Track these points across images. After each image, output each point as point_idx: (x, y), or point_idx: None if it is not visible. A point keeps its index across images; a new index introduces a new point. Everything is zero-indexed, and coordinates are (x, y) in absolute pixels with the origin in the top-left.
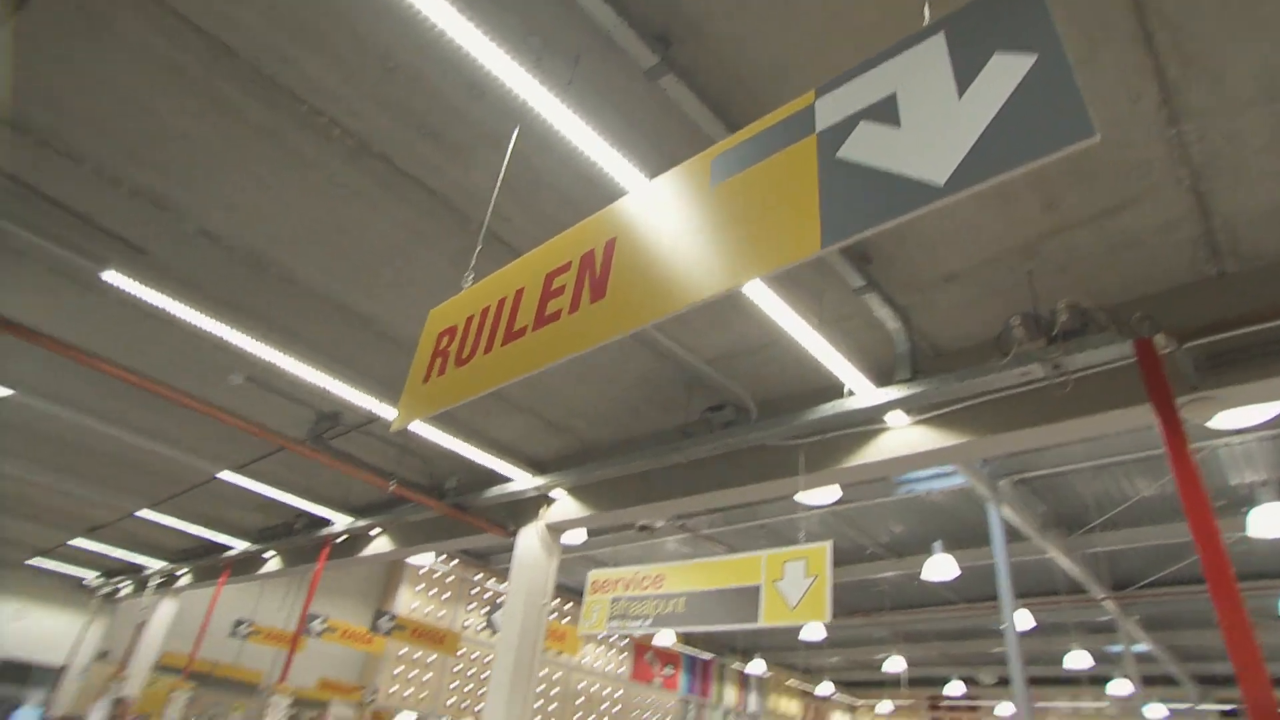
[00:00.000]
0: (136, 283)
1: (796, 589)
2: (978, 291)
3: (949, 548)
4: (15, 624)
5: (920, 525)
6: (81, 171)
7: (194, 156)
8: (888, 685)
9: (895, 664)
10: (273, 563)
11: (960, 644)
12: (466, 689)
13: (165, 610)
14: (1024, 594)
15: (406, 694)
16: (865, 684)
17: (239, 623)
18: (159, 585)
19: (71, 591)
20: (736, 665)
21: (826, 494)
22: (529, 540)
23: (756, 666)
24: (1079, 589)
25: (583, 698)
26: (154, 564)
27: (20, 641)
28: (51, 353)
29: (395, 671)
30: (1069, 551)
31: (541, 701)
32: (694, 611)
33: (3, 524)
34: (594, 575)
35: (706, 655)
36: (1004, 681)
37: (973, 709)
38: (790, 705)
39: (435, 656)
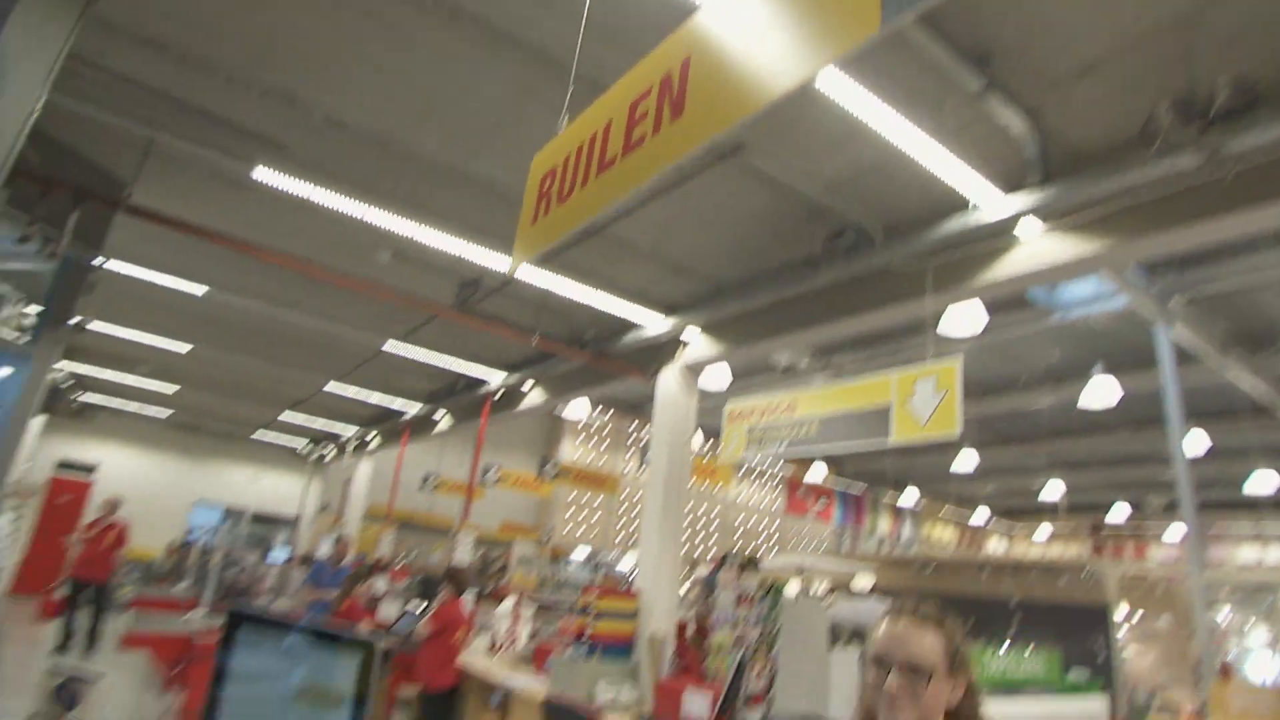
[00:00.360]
0: (282, 175)
1: (927, 405)
2: (1119, 81)
3: (1110, 372)
4: (254, 485)
5: (1078, 350)
6: (217, 81)
7: (309, 49)
8: (1045, 512)
9: (1053, 491)
10: (443, 422)
11: (1123, 469)
12: (632, 526)
13: (364, 469)
14: (1198, 415)
15: (579, 532)
16: (1022, 511)
17: (426, 477)
18: (355, 448)
19: (290, 458)
20: (889, 498)
21: (971, 324)
22: (668, 381)
23: (909, 497)
24: (1265, 410)
25: (740, 531)
26: (348, 430)
27: (262, 499)
28: (228, 249)
29: (567, 514)
30: (1256, 371)
31: (702, 535)
32: (826, 433)
33: (229, 405)
34: (730, 406)
35: (859, 488)
36: (1173, 506)
37: (1138, 534)
38: (944, 533)
39: (600, 498)
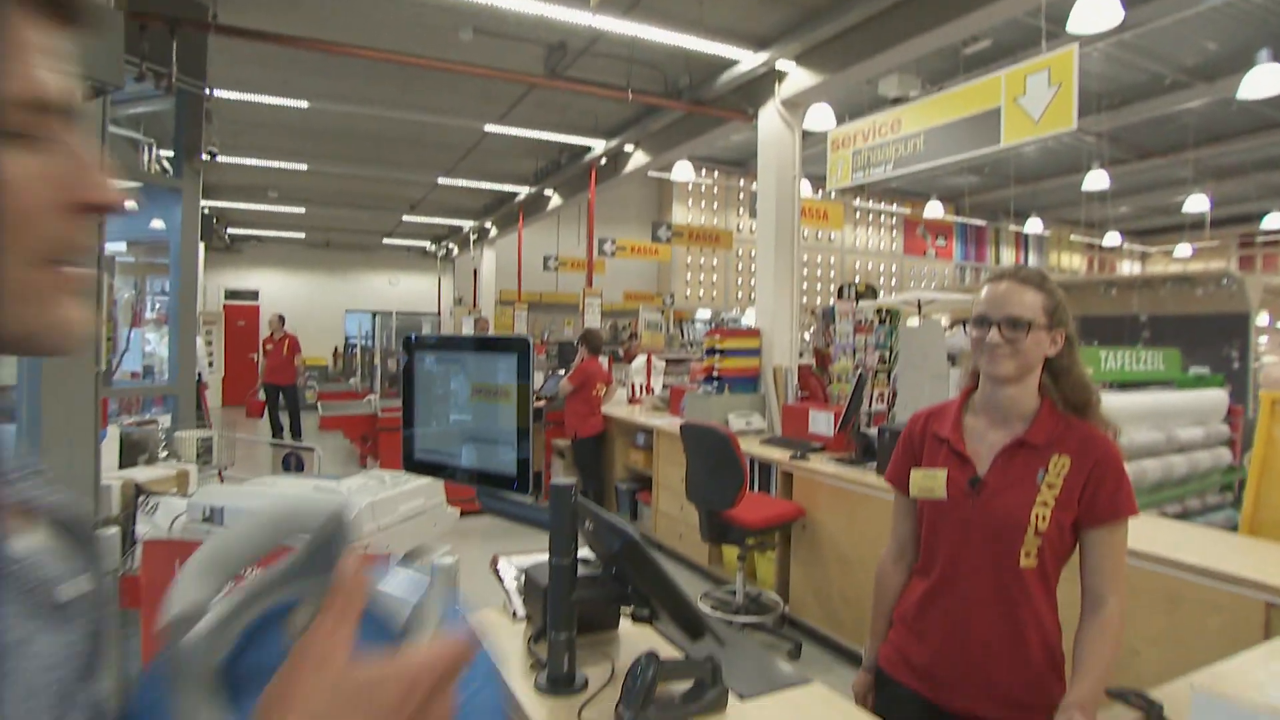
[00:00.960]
0: None
1: (1039, 102)
2: None
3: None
4: (394, 288)
5: (1236, 37)
6: None
7: None
8: (1186, 229)
9: (1197, 203)
10: (554, 199)
11: None
12: (751, 284)
13: (488, 258)
14: None
15: (700, 294)
16: (1159, 230)
17: (546, 259)
18: (476, 239)
19: (420, 258)
20: (1012, 230)
21: (1105, 17)
22: (769, 119)
23: (1034, 225)
24: None
25: (858, 276)
26: (466, 223)
27: (403, 300)
28: (317, 54)
29: (686, 277)
30: None
31: (820, 284)
32: (933, 148)
33: (354, 217)
34: (833, 133)
35: (980, 222)
36: None
37: None
38: (1073, 260)
39: (718, 259)
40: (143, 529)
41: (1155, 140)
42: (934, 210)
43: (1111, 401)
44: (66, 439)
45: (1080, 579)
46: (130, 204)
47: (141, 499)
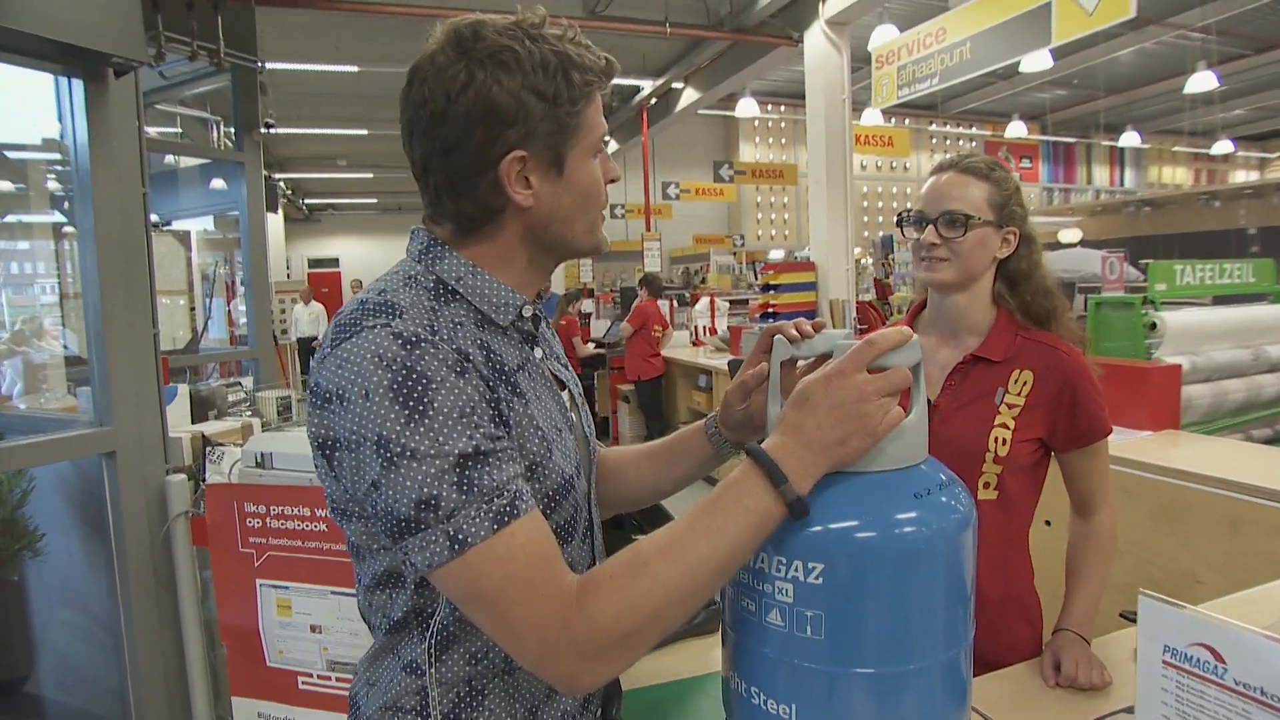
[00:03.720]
0: None
1: None
2: None
3: None
4: None
5: None
6: None
7: None
8: None
9: None
10: (611, 143)
11: None
12: None
13: None
14: None
15: (772, 235)
16: (1278, 134)
17: (613, 206)
18: None
19: None
20: (1106, 143)
21: None
22: (815, 41)
23: (1130, 139)
24: None
25: None
26: None
27: None
28: (358, 15)
29: (757, 217)
30: None
31: (882, 218)
32: (981, 54)
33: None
34: (875, 50)
35: (1069, 139)
36: None
37: None
38: (1175, 174)
39: (789, 197)
40: (211, 477)
41: (1273, 28)
42: (1016, 130)
43: (1189, 318)
44: (134, 396)
45: (1069, 495)
46: (217, 183)
47: (209, 449)
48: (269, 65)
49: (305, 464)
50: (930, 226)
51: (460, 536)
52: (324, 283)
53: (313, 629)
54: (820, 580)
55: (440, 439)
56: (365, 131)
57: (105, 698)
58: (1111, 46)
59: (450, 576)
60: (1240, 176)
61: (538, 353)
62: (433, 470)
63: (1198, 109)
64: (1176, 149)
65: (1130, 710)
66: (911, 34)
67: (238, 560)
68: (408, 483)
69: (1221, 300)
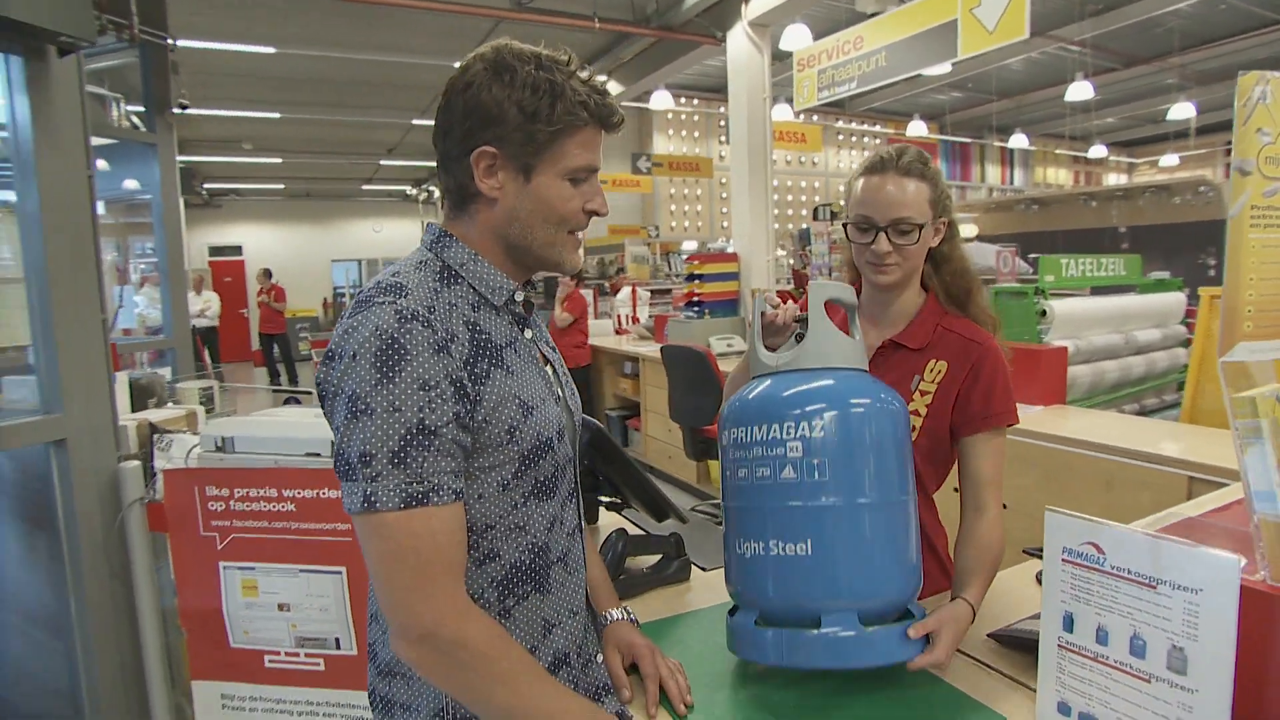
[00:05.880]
0: None
1: (994, 11)
2: None
3: None
4: (379, 235)
5: None
6: None
7: None
8: (1171, 139)
9: (1182, 112)
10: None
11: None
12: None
13: None
14: None
15: (684, 225)
16: (1144, 141)
17: None
18: None
19: (402, 203)
20: (998, 144)
21: None
22: (737, 41)
23: (1019, 141)
24: None
25: (842, 202)
26: None
27: (388, 246)
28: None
29: (670, 209)
30: None
31: (805, 209)
32: (895, 62)
33: (332, 164)
34: (798, 53)
35: (964, 139)
36: None
37: None
38: (1058, 175)
39: (702, 190)
40: (160, 463)
41: (1140, 46)
42: (917, 129)
43: (1073, 306)
44: (84, 383)
45: (959, 485)
46: (101, 164)
47: (156, 436)
48: (181, 42)
49: (269, 446)
50: (881, 235)
51: (373, 499)
52: (227, 271)
53: (281, 607)
54: (823, 432)
55: (397, 403)
56: (277, 115)
57: (51, 697)
58: (1003, 54)
59: (356, 527)
60: (1112, 179)
61: (528, 334)
62: (380, 430)
63: (1076, 115)
64: (1059, 151)
65: (1037, 617)
66: (831, 40)
67: (199, 544)
68: (360, 435)
69: (1098, 291)
